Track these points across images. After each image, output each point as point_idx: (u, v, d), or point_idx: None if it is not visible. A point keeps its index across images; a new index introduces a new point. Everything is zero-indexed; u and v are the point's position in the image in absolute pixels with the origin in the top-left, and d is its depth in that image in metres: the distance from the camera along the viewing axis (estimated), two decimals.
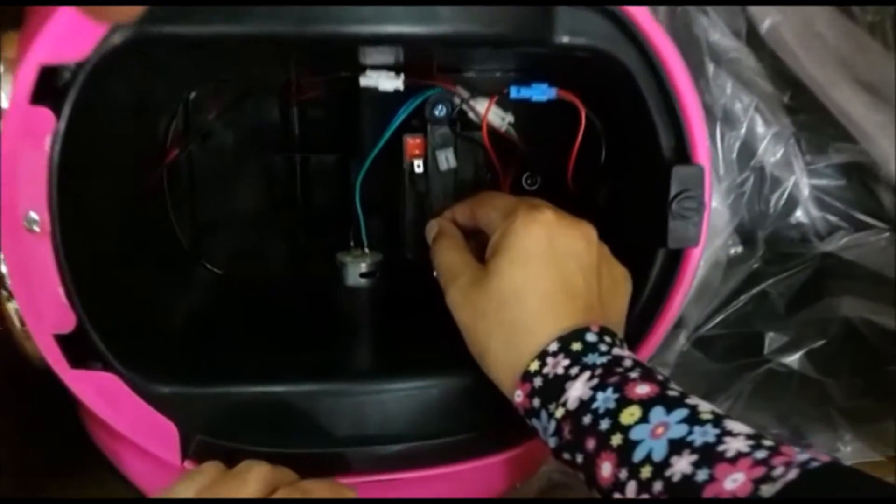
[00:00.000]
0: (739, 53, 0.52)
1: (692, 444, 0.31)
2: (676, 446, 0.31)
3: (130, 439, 0.40)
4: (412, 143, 0.50)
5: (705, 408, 0.33)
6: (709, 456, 0.30)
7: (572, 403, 0.35)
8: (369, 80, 0.48)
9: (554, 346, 0.37)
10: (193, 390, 0.41)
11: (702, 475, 0.30)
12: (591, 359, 0.36)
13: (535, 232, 0.40)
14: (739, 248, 0.54)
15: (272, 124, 0.57)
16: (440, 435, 0.42)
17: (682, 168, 0.41)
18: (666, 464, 0.31)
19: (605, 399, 0.34)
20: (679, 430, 0.32)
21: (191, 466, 0.40)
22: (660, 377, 0.35)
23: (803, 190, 0.52)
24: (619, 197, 0.49)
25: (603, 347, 0.37)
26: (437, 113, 0.49)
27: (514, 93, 0.46)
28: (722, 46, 0.52)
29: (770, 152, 0.51)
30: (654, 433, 0.32)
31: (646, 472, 0.31)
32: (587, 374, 0.36)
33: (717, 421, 0.32)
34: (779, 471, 0.28)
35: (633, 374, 0.35)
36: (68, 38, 0.35)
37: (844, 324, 0.53)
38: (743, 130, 0.50)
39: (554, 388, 0.36)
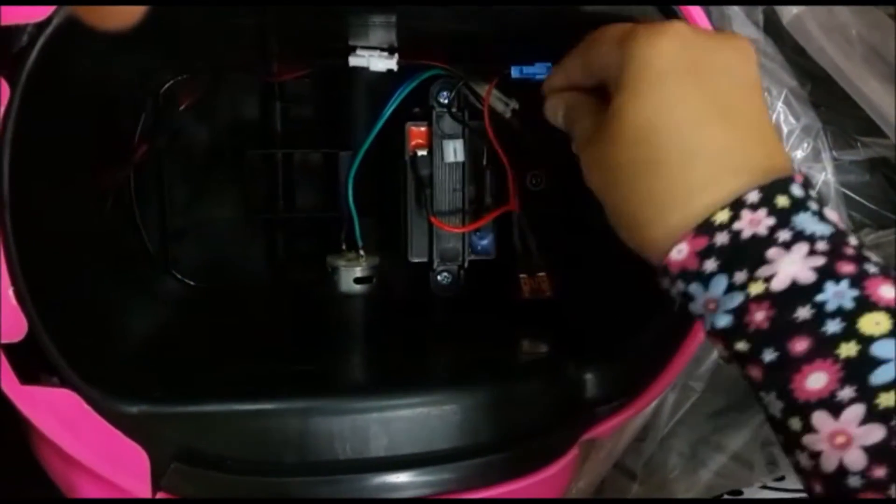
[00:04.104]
0: (759, 44, 0.49)
1: None
2: None
3: (90, 468, 0.35)
4: (416, 131, 0.45)
5: None
6: None
7: (780, 283, 0.27)
8: (360, 59, 0.44)
9: (754, 197, 0.28)
10: (166, 410, 0.36)
11: None
12: (806, 224, 0.28)
13: (664, 46, 0.30)
14: None
15: (250, 118, 0.52)
16: (455, 458, 0.36)
17: None
18: None
19: (839, 293, 0.26)
20: None
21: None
22: None
23: (832, 186, 0.49)
24: None
25: (814, 206, 0.28)
26: (441, 100, 0.44)
27: (516, 72, 0.41)
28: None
29: (798, 147, 0.48)
30: None
31: (887, 399, 0.25)
32: (805, 247, 0.27)
33: None
34: None
35: (872, 269, 0.27)
36: None
37: None
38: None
39: (748, 252, 0.28)
